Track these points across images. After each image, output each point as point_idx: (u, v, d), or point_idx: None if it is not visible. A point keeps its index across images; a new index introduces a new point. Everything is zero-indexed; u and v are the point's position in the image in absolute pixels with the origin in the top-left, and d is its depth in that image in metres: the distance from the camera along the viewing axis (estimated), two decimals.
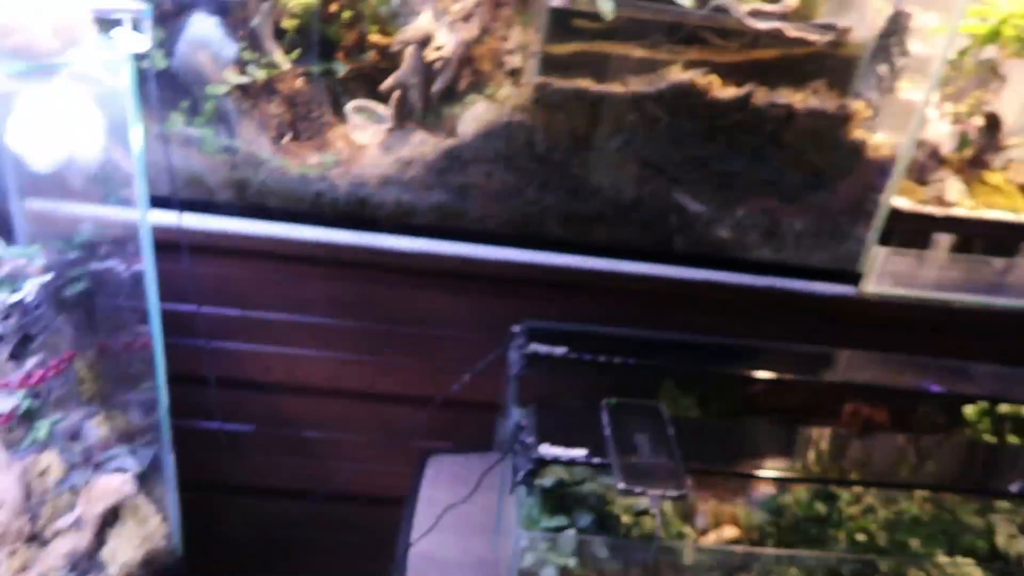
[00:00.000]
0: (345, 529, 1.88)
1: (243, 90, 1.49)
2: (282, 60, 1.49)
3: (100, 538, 1.34)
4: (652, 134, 1.48)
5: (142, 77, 1.21)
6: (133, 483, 1.36)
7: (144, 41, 1.11)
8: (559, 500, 1.35)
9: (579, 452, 1.23)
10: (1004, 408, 1.68)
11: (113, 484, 1.35)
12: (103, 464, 1.37)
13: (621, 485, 1.14)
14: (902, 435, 1.59)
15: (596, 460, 1.22)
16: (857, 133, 1.50)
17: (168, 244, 1.35)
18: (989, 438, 1.68)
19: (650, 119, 1.46)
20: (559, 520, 1.30)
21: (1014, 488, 1.41)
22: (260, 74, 1.47)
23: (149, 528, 1.40)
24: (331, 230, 1.53)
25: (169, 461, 1.35)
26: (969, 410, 1.69)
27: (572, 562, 1.27)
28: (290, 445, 1.77)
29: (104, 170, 1.20)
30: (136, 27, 1.10)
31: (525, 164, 1.50)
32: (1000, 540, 1.47)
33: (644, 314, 1.67)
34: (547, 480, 1.36)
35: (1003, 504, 1.53)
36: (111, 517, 1.37)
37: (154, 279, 1.21)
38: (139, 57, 1.17)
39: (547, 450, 1.22)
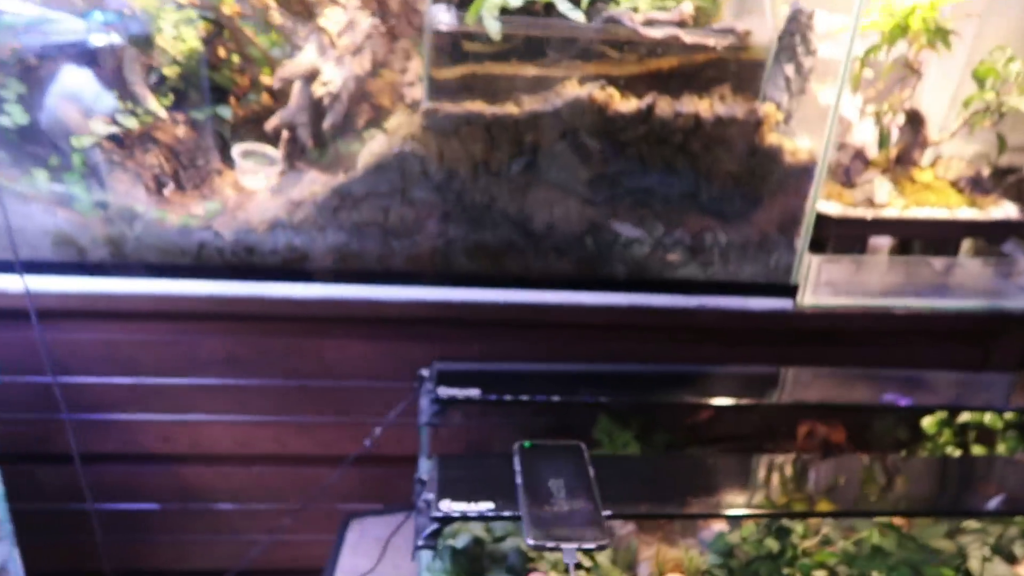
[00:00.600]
0: None
1: (116, 141, 1.39)
2: (156, 107, 1.41)
3: None
4: (554, 154, 1.39)
5: None
6: None
7: None
8: (474, 561, 1.21)
9: (486, 506, 1.09)
10: (964, 416, 1.57)
11: None
12: None
13: (530, 540, 1.00)
14: (861, 455, 1.47)
15: (505, 513, 1.08)
16: (772, 138, 1.42)
17: (17, 311, 1.24)
18: (952, 450, 1.56)
19: (550, 139, 1.38)
20: None
21: (991, 505, 1.28)
22: (131, 123, 1.38)
23: None
24: (220, 282, 1.41)
25: (14, 556, 1.20)
26: (927, 421, 1.58)
27: None
28: (199, 520, 1.61)
29: None
30: None
31: (423, 196, 1.40)
32: (973, 565, 1.33)
33: (571, 346, 1.57)
34: (460, 540, 1.22)
35: (972, 524, 1.40)
36: None
37: None
38: None
39: (449, 507, 1.08)
